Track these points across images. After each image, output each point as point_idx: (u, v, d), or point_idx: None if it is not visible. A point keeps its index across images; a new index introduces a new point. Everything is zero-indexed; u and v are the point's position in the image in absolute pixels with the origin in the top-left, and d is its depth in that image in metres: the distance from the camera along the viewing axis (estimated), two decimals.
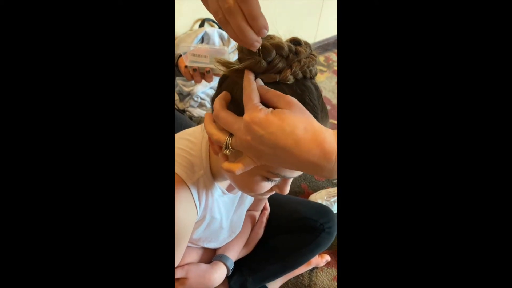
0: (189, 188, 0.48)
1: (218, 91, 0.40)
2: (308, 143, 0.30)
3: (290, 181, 0.45)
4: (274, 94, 0.33)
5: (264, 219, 0.77)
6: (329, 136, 0.30)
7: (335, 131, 0.31)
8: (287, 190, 0.45)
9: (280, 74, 0.35)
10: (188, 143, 0.50)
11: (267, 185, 0.43)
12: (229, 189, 0.56)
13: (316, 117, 0.36)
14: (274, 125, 0.30)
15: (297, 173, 0.40)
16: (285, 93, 0.35)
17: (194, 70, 0.69)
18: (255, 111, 0.31)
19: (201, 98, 1.13)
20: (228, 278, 0.69)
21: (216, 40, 1.11)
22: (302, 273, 0.84)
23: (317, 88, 0.38)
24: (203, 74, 0.71)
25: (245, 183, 0.43)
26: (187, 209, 0.49)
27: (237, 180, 0.44)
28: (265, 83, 0.35)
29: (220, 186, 0.53)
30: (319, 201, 0.99)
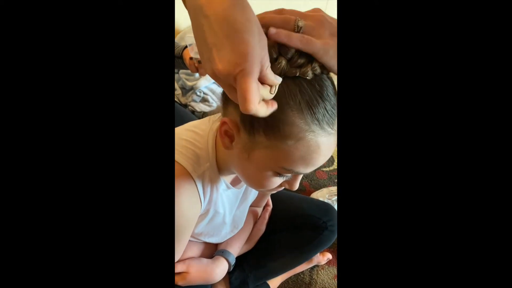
0: (194, 181, 0.47)
1: None
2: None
3: (300, 177, 0.44)
4: None
5: (267, 215, 0.76)
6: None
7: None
8: (297, 186, 0.44)
9: (300, 68, 0.34)
10: (194, 135, 0.49)
11: (278, 181, 0.42)
12: (234, 183, 0.55)
13: (332, 112, 0.36)
14: None
15: (310, 169, 0.39)
16: (305, 88, 0.35)
17: (199, 62, 0.68)
18: None
19: (204, 93, 1.12)
20: (229, 273, 0.68)
21: None
22: (303, 271, 0.83)
23: (333, 83, 0.38)
24: None
25: (256, 178, 0.43)
26: (192, 202, 0.48)
27: (248, 175, 0.44)
28: (284, 78, 0.35)
29: (225, 180, 0.52)
30: (321, 199, 0.99)
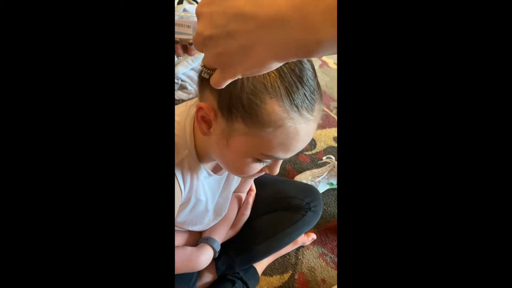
0: None
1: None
2: None
3: (280, 162, 0.44)
4: None
5: (250, 200, 0.76)
6: None
7: None
8: (277, 170, 0.44)
9: None
10: None
11: (258, 166, 0.42)
12: (215, 170, 0.55)
13: (312, 98, 0.36)
14: None
15: (290, 154, 0.39)
16: (284, 73, 0.34)
17: (176, 42, 0.65)
18: None
19: (182, 80, 1.10)
20: (215, 260, 0.69)
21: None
22: (289, 252, 0.85)
23: (312, 66, 0.37)
24: (185, 47, 0.67)
25: (236, 165, 0.42)
26: None
27: (227, 161, 0.43)
28: None
29: (206, 167, 0.52)
30: (304, 182, 1.00)
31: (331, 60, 1.75)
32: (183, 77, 1.10)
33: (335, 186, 1.04)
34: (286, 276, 0.81)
